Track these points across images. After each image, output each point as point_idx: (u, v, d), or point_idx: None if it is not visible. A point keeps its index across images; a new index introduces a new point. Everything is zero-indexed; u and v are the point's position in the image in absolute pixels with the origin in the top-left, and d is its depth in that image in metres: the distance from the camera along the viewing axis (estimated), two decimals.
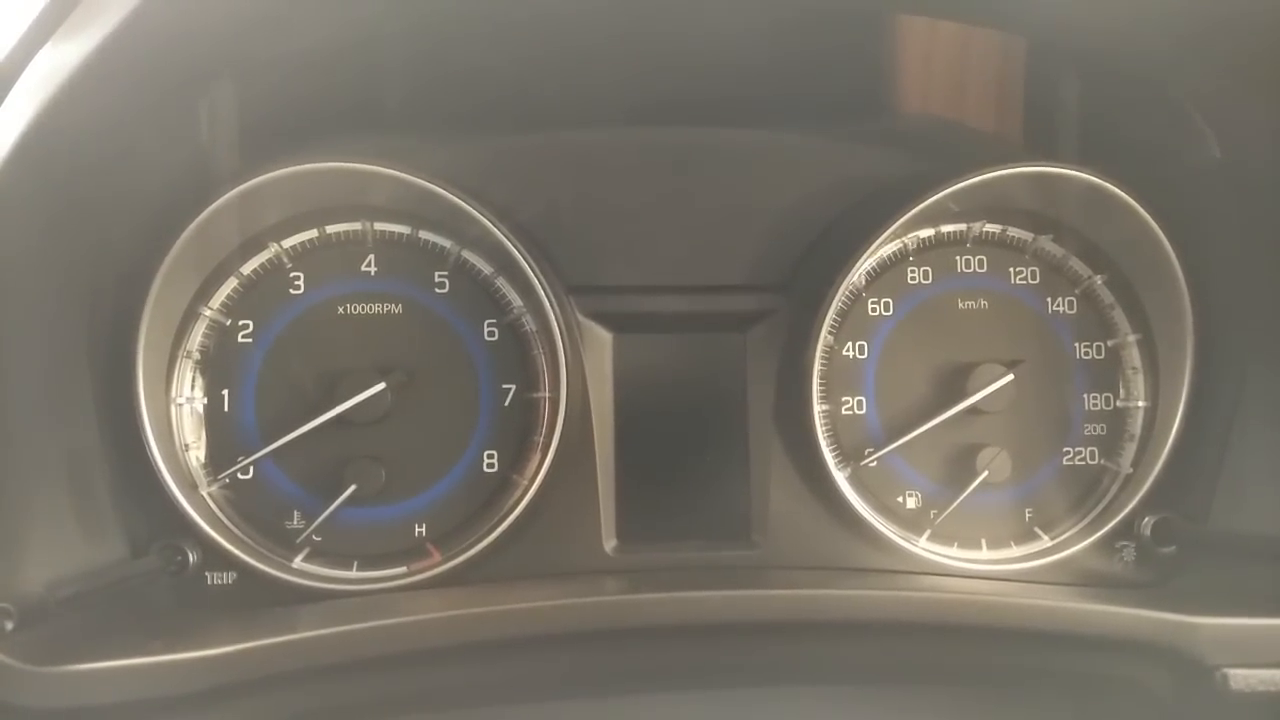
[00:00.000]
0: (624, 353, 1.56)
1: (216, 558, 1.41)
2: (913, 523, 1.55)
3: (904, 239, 1.56)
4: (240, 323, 1.48)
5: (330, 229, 1.49)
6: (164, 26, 1.11)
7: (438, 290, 1.51)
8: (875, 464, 1.55)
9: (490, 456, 1.50)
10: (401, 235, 1.51)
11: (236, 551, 1.39)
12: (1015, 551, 1.55)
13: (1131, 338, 1.57)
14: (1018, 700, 1.34)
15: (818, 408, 1.49)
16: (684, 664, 1.33)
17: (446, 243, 1.51)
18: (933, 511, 1.55)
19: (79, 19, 1.08)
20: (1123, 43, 1.31)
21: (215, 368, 1.47)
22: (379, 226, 1.50)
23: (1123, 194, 1.47)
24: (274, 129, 1.39)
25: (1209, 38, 1.26)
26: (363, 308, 1.50)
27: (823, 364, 1.52)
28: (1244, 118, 1.36)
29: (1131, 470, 1.55)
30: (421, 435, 1.49)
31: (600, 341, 1.55)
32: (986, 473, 1.51)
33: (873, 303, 1.57)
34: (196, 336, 1.47)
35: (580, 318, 1.53)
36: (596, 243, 1.53)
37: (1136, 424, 1.57)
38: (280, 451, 1.44)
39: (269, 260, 1.48)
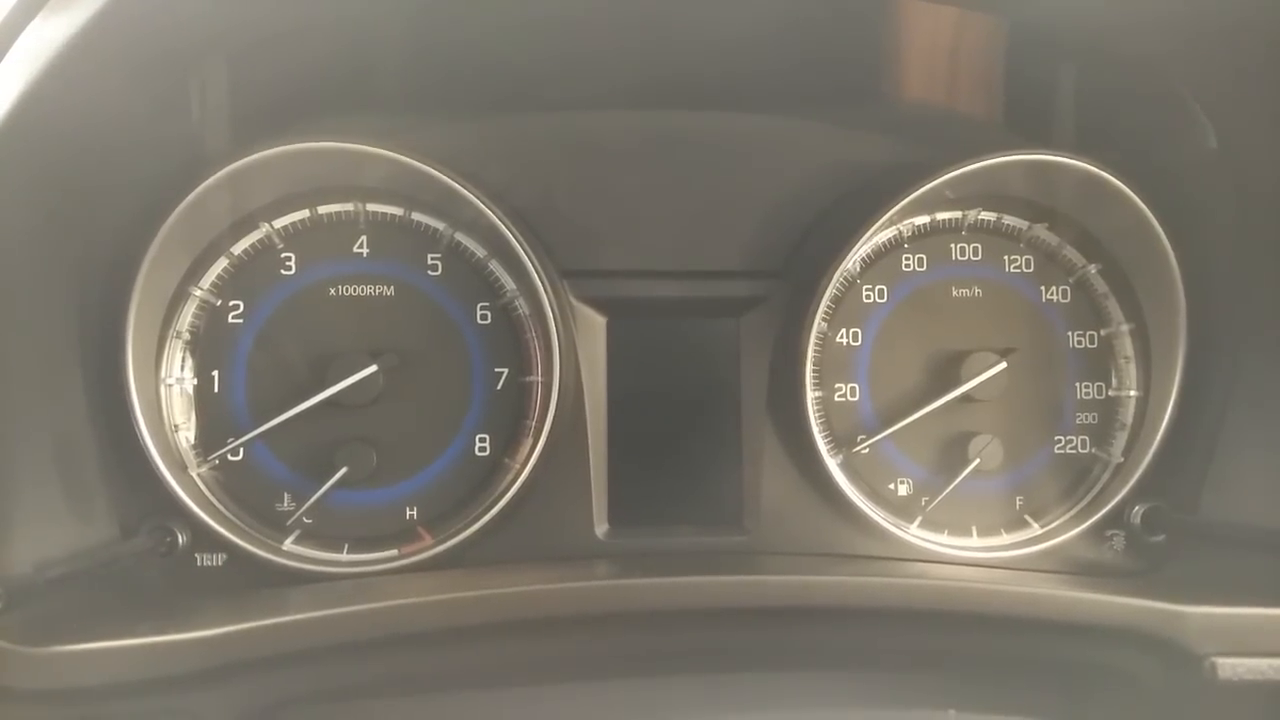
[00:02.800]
0: (617, 337, 1.55)
1: (206, 539, 1.40)
2: (904, 510, 1.55)
3: (899, 226, 1.56)
4: (231, 303, 1.47)
5: (322, 209, 1.48)
6: (154, 3, 1.10)
7: (430, 273, 1.50)
8: (867, 451, 1.55)
9: (482, 440, 1.50)
10: (394, 217, 1.50)
11: (226, 533, 1.39)
12: (1005, 539, 1.55)
13: (1125, 327, 1.57)
14: (1007, 687, 1.35)
15: (811, 394, 1.49)
16: (674, 649, 1.33)
17: (440, 225, 1.50)
18: (924, 499, 1.55)
19: None
20: (1120, 31, 1.30)
21: (205, 348, 1.47)
22: (371, 207, 1.49)
23: (1118, 183, 1.47)
24: (266, 108, 1.38)
25: (1206, 27, 1.25)
26: (355, 289, 1.49)
27: (816, 350, 1.52)
28: (1240, 107, 1.36)
29: (1122, 459, 1.55)
30: (413, 418, 1.48)
31: (594, 326, 1.55)
32: (978, 460, 1.52)
33: (867, 289, 1.57)
34: (187, 317, 1.46)
35: (574, 302, 1.53)
36: (591, 227, 1.53)
37: (1128, 413, 1.57)
38: (271, 433, 1.43)
39: (260, 240, 1.47)
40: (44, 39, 1.08)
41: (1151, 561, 1.53)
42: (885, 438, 1.54)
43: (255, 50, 1.28)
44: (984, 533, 1.56)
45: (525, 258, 1.43)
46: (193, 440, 1.46)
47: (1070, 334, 1.59)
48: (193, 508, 1.38)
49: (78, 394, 1.32)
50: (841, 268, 1.48)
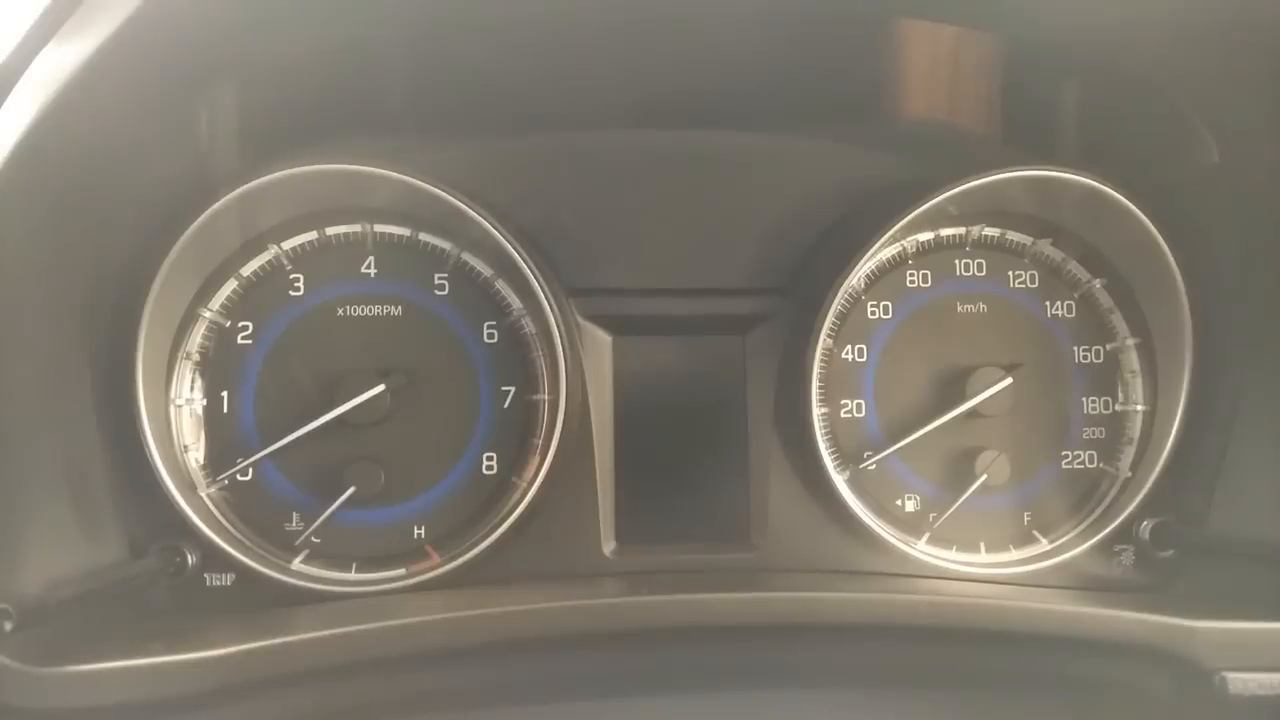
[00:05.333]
0: (623, 355, 1.56)
1: (215, 559, 1.41)
2: (911, 526, 1.55)
3: (903, 242, 1.57)
4: (240, 324, 1.48)
5: (330, 231, 1.50)
6: (165, 28, 1.12)
7: (437, 292, 1.51)
8: (874, 467, 1.55)
9: (489, 459, 1.50)
10: (401, 237, 1.51)
11: (235, 553, 1.39)
12: (1014, 555, 1.55)
13: (1130, 341, 1.57)
14: (1017, 704, 1.34)
15: (817, 410, 1.49)
16: (682, 666, 1.33)
17: (446, 245, 1.51)
18: (931, 515, 1.55)
19: (80, 20, 1.09)
20: (1122, 46, 1.31)
21: (215, 369, 1.47)
22: (379, 228, 1.50)
23: (1122, 198, 1.47)
24: (274, 130, 1.39)
25: (1208, 41, 1.26)
26: (362, 309, 1.50)
27: (822, 367, 1.52)
28: (1243, 122, 1.36)
29: (1130, 474, 1.55)
30: (421, 437, 1.49)
31: (600, 344, 1.55)
32: (985, 476, 1.51)
33: (872, 306, 1.57)
34: (196, 338, 1.47)
35: (580, 320, 1.54)
36: (596, 245, 1.53)
37: (1135, 428, 1.57)
38: (279, 453, 1.44)
39: (269, 262, 1.49)
40: (56, 65, 1.09)
41: (1160, 576, 1.52)
42: (892, 454, 1.53)
43: (264, 74, 1.30)
44: (992, 549, 1.56)
45: (531, 276, 1.43)
46: (202, 461, 1.47)
47: (1076, 349, 1.59)
48: (202, 528, 1.38)
49: (88, 415, 1.33)
50: (846, 284, 1.49)
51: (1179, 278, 1.48)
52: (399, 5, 1.22)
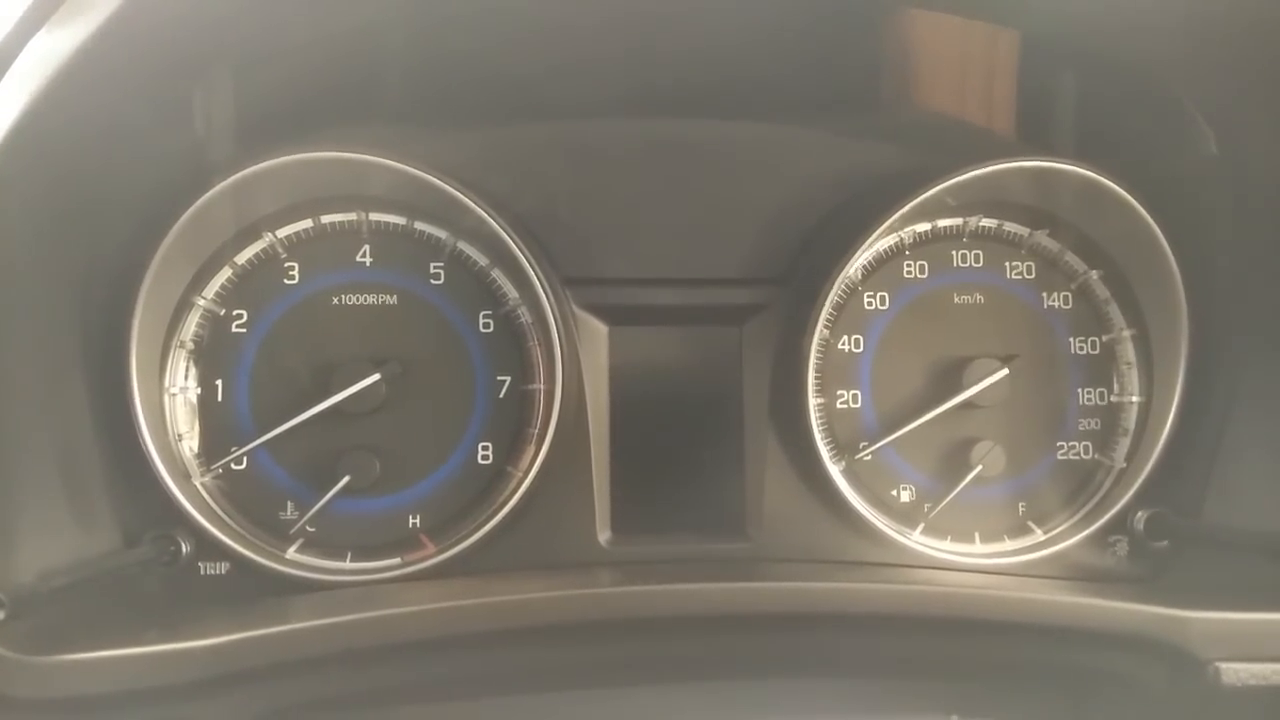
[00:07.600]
0: (620, 345, 1.56)
1: (209, 548, 1.40)
2: (907, 516, 1.55)
3: (900, 233, 1.56)
4: (234, 312, 1.48)
5: (325, 219, 1.49)
6: (159, 13, 1.11)
7: (433, 281, 1.50)
8: (870, 457, 1.54)
9: (485, 448, 1.50)
10: (397, 226, 1.50)
11: (229, 542, 1.39)
12: (1008, 545, 1.55)
13: (1126, 333, 1.57)
14: (1011, 694, 1.34)
15: (813, 401, 1.49)
16: (677, 656, 1.33)
17: (442, 233, 1.50)
18: (927, 505, 1.55)
19: (75, 4, 1.08)
20: (1121, 38, 1.31)
21: (209, 357, 1.47)
22: (374, 217, 1.49)
23: (1119, 189, 1.47)
24: (269, 117, 1.39)
25: (1207, 33, 1.26)
26: (358, 298, 1.49)
27: (818, 357, 1.52)
28: (1241, 113, 1.36)
29: (1125, 465, 1.55)
30: (416, 427, 1.49)
31: (596, 334, 1.55)
32: (980, 467, 1.52)
33: (869, 296, 1.57)
34: (190, 326, 1.46)
35: (576, 310, 1.53)
36: (593, 235, 1.53)
37: (1130, 419, 1.57)
38: (274, 442, 1.43)
39: (264, 250, 1.48)
40: (49, 51, 1.09)
41: (1155, 567, 1.52)
42: (887, 444, 1.53)
43: (259, 60, 1.29)
44: (987, 539, 1.56)
45: (527, 266, 1.43)
46: (196, 449, 1.46)
47: (1072, 340, 1.59)
48: (196, 517, 1.38)
49: (81, 403, 1.32)
50: (843, 275, 1.48)
51: (1176, 269, 1.48)
52: None
